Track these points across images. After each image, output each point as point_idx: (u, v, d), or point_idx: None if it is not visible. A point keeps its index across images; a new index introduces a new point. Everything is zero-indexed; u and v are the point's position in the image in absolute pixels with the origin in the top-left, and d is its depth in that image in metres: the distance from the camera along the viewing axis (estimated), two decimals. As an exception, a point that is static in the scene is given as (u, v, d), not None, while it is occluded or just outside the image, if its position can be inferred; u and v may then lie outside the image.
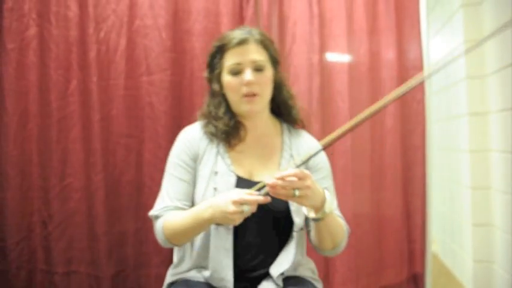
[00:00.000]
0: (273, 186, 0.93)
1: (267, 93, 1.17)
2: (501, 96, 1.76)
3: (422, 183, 1.90)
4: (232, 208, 0.98)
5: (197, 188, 1.16)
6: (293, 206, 1.13)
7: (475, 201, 1.91)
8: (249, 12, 1.76)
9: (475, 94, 1.91)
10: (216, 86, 1.19)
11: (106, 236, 1.72)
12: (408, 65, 1.88)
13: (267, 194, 0.99)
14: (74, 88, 1.70)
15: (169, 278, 1.25)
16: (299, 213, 1.14)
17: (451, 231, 2.29)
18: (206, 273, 1.16)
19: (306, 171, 0.98)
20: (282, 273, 1.17)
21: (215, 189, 1.13)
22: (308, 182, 0.96)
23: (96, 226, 1.71)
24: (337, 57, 1.84)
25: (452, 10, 2.10)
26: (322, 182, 1.17)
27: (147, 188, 1.66)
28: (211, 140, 1.20)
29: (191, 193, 1.17)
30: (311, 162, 1.19)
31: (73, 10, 1.71)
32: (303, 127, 1.27)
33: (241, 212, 0.97)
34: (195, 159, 1.19)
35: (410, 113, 1.90)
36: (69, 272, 1.71)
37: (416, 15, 1.86)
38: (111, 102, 1.73)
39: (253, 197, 0.98)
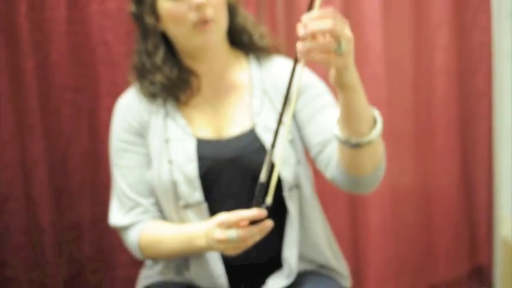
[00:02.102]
0: (308, 51, 0.74)
1: (223, 17, 1.10)
2: None
3: (488, 144, 1.75)
4: (217, 234, 0.94)
5: (151, 167, 1.12)
6: (277, 157, 1.00)
7: None
8: None
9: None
10: (150, 20, 1.10)
11: (53, 228, 1.51)
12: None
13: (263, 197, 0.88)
14: (-6, 23, 1.45)
15: (142, 281, 1.21)
16: (286, 163, 1.06)
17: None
18: (188, 274, 1.13)
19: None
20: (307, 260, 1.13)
21: (170, 161, 1.08)
22: (347, 29, 0.76)
23: (38, 215, 1.49)
24: None
25: None
26: (319, 100, 1.08)
27: (106, 161, 1.37)
28: (154, 101, 1.14)
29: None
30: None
31: None
32: (278, 53, 1.20)
33: (227, 240, 0.92)
34: (141, 133, 1.14)
35: (471, 45, 1.68)
36: (1, 279, 1.50)
37: None
38: (48, 42, 1.46)
39: (241, 214, 0.90)
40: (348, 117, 0.86)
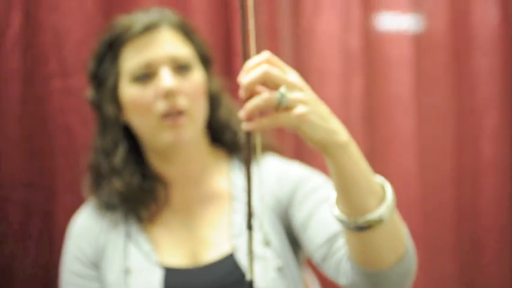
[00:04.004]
0: (249, 117, 0.66)
1: (199, 109, 1.03)
2: None
3: None
4: None
5: None
6: (263, 282, 0.96)
7: None
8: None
9: None
10: (110, 109, 1.03)
11: None
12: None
13: None
14: None
15: None
16: None
17: None
18: None
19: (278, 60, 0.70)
20: None
21: None
22: (294, 78, 0.68)
23: None
24: (396, 40, 1.47)
25: None
26: (317, 195, 0.97)
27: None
28: (113, 215, 1.05)
29: None
30: (279, 190, 1.04)
31: None
32: (271, 151, 1.13)
33: None
34: (96, 263, 1.05)
35: None
36: None
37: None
38: None
39: None
40: (345, 189, 0.72)
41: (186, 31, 1.04)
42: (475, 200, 1.50)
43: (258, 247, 0.96)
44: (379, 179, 0.75)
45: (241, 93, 0.66)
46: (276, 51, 1.37)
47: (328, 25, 1.44)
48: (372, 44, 1.45)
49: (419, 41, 1.46)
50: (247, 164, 0.70)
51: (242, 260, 0.98)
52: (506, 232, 1.48)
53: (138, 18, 1.01)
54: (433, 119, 1.48)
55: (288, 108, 0.65)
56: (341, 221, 0.74)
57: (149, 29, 0.99)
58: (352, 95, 1.44)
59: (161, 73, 0.97)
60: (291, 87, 0.66)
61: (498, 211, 1.48)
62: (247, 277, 0.72)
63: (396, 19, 1.47)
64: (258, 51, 0.81)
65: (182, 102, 0.97)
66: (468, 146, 1.49)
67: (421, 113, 1.45)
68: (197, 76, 1.01)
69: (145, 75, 0.98)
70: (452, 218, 1.48)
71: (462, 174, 1.50)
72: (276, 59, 0.68)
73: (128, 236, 1.04)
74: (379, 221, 0.71)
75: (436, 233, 1.46)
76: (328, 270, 0.89)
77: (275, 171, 1.06)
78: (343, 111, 1.43)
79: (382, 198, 0.73)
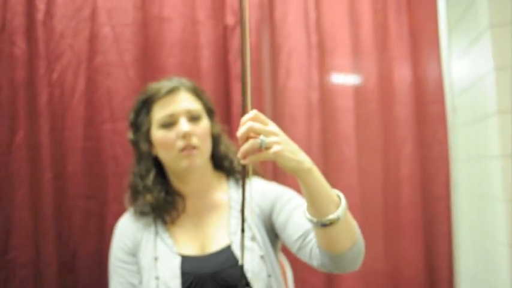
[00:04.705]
0: (243, 156, 0.79)
1: (206, 146, 1.14)
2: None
3: (448, 240, 1.75)
4: None
5: (142, 282, 1.11)
6: (249, 273, 1.04)
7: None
8: (234, 43, 1.62)
9: (508, 132, 1.70)
10: (144, 146, 1.15)
11: (61, 326, 1.48)
12: (426, 100, 1.75)
13: None
14: (20, 141, 1.50)
15: None
16: (258, 277, 1.05)
17: (486, 296, 2.10)
18: None
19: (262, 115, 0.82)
20: None
21: (157, 278, 1.07)
22: (272, 127, 0.80)
23: (48, 313, 1.47)
24: (342, 94, 1.70)
25: (478, 31, 1.92)
26: (291, 203, 1.07)
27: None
28: (146, 221, 1.15)
29: None
30: (262, 202, 1.12)
31: (20, 46, 1.51)
32: (256, 175, 1.23)
33: None
34: (134, 253, 1.14)
35: (431, 156, 1.76)
36: None
37: (435, 39, 1.75)
38: (66, 156, 1.54)
39: None
40: (312, 199, 0.84)
41: (197, 92, 1.18)
42: (397, 202, 1.73)
43: (247, 242, 1.06)
44: (335, 191, 0.87)
45: (239, 141, 0.79)
46: (261, 104, 1.62)
47: (296, 84, 1.67)
48: (326, 97, 1.67)
49: (357, 95, 1.68)
50: (243, 186, 0.80)
51: (236, 250, 1.07)
52: (414, 223, 1.69)
53: (164, 84, 1.15)
54: (368, 149, 1.70)
55: (268, 148, 0.78)
56: (311, 221, 0.86)
57: (171, 91, 1.13)
58: (313, 133, 1.65)
59: (180, 121, 1.11)
60: (269, 134, 0.79)
61: (412, 208, 1.72)
62: (240, 262, 0.86)
63: (342, 79, 1.68)
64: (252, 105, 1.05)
65: (195, 141, 1.11)
66: (392, 166, 1.74)
67: (359, 145, 1.68)
68: (205, 123, 1.15)
69: (169, 123, 1.12)
70: (382, 215, 1.71)
71: (388, 185, 1.73)
72: (260, 115, 0.80)
73: (156, 233, 1.14)
74: (337, 220, 0.83)
75: (371, 226, 1.68)
76: (304, 257, 1.00)
77: (259, 189, 1.17)
78: (306, 144, 1.64)
79: (338, 204, 0.85)
